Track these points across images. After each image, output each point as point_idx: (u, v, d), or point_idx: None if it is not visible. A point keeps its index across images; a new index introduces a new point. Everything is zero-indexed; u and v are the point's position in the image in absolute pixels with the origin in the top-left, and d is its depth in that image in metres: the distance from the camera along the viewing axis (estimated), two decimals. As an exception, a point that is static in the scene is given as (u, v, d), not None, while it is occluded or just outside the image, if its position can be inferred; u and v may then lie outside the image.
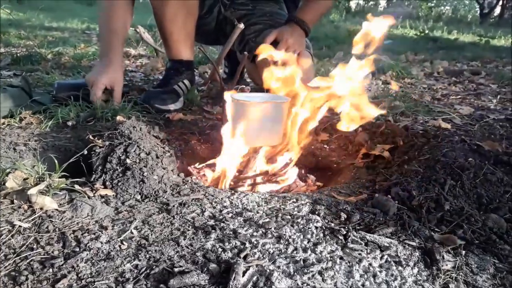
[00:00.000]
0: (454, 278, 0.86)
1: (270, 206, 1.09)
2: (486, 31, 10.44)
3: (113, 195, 1.11)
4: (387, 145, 1.56)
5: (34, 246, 0.87)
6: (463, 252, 0.94)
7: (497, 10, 18.41)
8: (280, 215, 1.04)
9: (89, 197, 1.07)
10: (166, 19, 2.03)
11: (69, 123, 1.60)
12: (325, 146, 1.68)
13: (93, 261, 0.83)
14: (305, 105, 1.42)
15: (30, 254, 0.84)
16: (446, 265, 0.90)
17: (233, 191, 1.20)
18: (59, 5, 11.03)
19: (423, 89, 3.12)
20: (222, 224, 0.98)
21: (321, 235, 0.96)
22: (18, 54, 3.32)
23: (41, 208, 1.00)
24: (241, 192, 1.18)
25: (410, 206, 1.13)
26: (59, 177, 1.15)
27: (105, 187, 1.13)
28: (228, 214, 1.05)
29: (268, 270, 0.81)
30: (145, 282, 0.78)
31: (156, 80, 2.81)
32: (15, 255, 0.84)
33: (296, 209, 1.08)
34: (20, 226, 0.93)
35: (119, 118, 1.49)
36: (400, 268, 0.87)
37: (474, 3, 19.81)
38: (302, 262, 0.86)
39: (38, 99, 1.80)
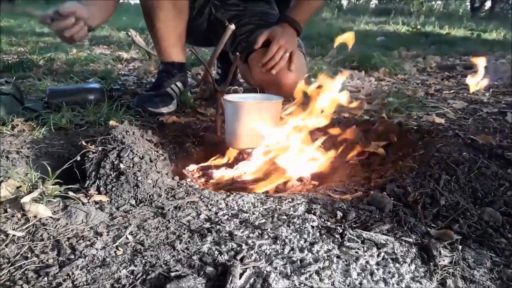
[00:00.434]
0: (451, 273, 0.86)
1: (265, 207, 1.09)
2: (478, 25, 10.47)
3: (108, 200, 1.10)
4: (381, 142, 1.56)
5: (29, 255, 0.87)
6: (460, 247, 0.94)
7: (488, 4, 18.49)
8: (276, 215, 1.04)
9: (83, 204, 1.06)
10: (157, 22, 2.02)
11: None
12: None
13: (89, 268, 0.83)
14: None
15: (24, 263, 0.84)
16: (443, 260, 0.90)
17: (228, 193, 1.20)
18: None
19: (416, 84, 3.13)
20: (218, 227, 0.98)
21: (318, 234, 0.96)
22: (10, 61, 3.30)
23: (35, 216, 0.99)
24: (236, 194, 1.18)
25: (406, 202, 1.13)
26: (53, 184, 1.14)
27: (99, 193, 1.12)
28: (224, 216, 1.04)
29: (265, 272, 0.81)
30: (141, 288, 0.77)
31: (149, 83, 2.80)
32: (10, 264, 0.83)
33: (292, 209, 1.08)
34: (14, 235, 0.92)
35: (111, 122, 1.49)
36: (397, 265, 0.87)
37: (465, -3, 19.88)
38: (299, 262, 0.86)
39: (30, 106, 1.80)
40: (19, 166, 1.28)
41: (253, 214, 1.05)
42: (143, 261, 0.85)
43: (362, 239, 0.95)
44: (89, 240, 0.92)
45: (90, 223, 1.00)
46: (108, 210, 1.06)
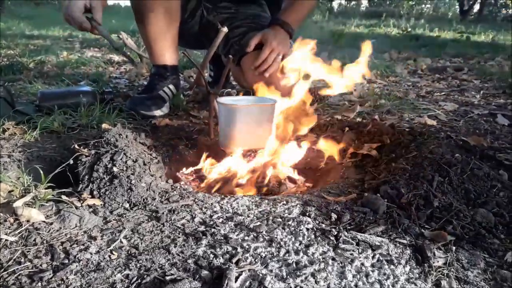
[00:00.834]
0: (445, 274, 0.86)
1: (260, 209, 1.09)
2: (467, 27, 10.59)
3: (101, 204, 1.10)
4: (374, 143, 1.57)
5: (22, 260, 0.86)
6: (454, 248, 0.95)
7: (477, 7, 18.68)
8: (271, 218, 1.04)
9: (76, 207, 1.05)
10: (148, 25, 2.02)
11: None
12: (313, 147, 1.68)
13: (83, 272, 0.82)
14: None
15: (18, 268, 0.83)
16: (438, 261, 0.90)
17: (222, 196, 1.19)
18: (39, 13, 10.91)
19: (407, 86, 3.15)
20: (213, 230, 0.98)
21: (313, 236, 0.96)
22: (-1, 64, 3.27)
23: (28, 221, 0.98)
24: (231, 197, 1.18)
25: (400, 204, 1.13)
26: (45, 188, 1.13)
27: (93, 197, 1.11)
28: (219, 219, 1.04)
29: (260, 275, 0.81)
30: (136, 292, 0.77)
31: (141, 86, 2.79)
32: (2, 269, 0.82)
33: (286, 211, 1.08)
34: (6, 239, 0.91)
35: (104, 125, 1.48)
36: (392, 266, 0.87)
37: (454, 0, 20.09)
38: (294, 265, 0.86)
39: (21, 109, 1.78)
40: (11, 170, 1.27)
41: (248, 216, 1.05)
42: (138, 265, 0.85)
43: (357, 241, 0.95)
44: (83, 244, 0.91)
45: (83, 227, 0.99)
46: (101, 214, 1.06)
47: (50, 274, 0.81)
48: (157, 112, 2.00)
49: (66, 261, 0.85)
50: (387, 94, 2.64)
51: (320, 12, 14.49)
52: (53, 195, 1.09)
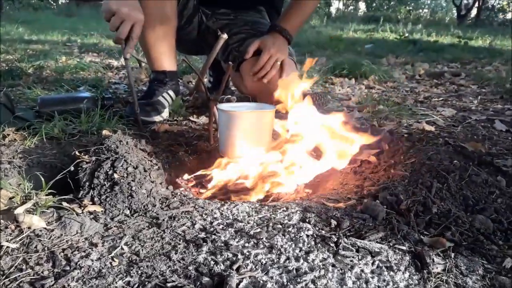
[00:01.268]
0: (444, 280, 0.87)
1: (260, 216, 1.10)
2: (464, 32, 10.64)
3: (102, 211, 1.10)
4: (373, 150, 1.58)
5: (23, 267, 0.86)
6: (452, 254, 0.96)
7: (474, 12, 18.79)
8: (271, 224, 1.04)
9: (77, 214, 1.05)
10: (146, 31, 2.02)
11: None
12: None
13: (84, 279, 0.82)
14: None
15: (19, 275, 0.83)
16: (437, 268, 0.91)
17: (222, 202, 1.20)
18: (38, 17, 10.92)
19: (405, 92, 3.16)
20: (213, 236, 0.98)
21: (313, 243, 0.97)
22: (-2, 69, 3.27)
23: (29, 227, 0.98)
24: (231, 203, 1.18)
25: (399, 210, 1.14)
26: (46, 195, 1.14)
27: (94, 203, 1.12)
28: (219, 225, 1.04)
29: (261, 281, 0.81)
30: (138, 299, 0.77)
31: (140, 92, 2.79)
32: (4, 277, 0.83)
33: (286, 218, 1.08)
34: (8, 246, 0.91)
35: (105, 132, 1.49)
36: (391, 273, 0.88)
37: (451, 5, 20.18)
38: (295, 272, 0.86)
39: (21, 115, 1.78)
40: (11, 176, 1.27)
41: (248, 223, 1.05)
42: (139, 272, 0.85)
43: (357, 247, 0.96)
44: (84, 251, 0.92)
45: (84, 233, 0.99)
46: (102, 221, 1.06)
47: (51, 281, 0.81)
48: (157, 118, 2.01)
49: (68, 268, 0.86)
50: (385, 99, 2.65)
51: (318, 16, 14.56)
52: (54, 201, 1.10)
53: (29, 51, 4.67)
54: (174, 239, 0.98)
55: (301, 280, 0.83)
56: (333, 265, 0.89)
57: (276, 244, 0.95)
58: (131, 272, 0.85)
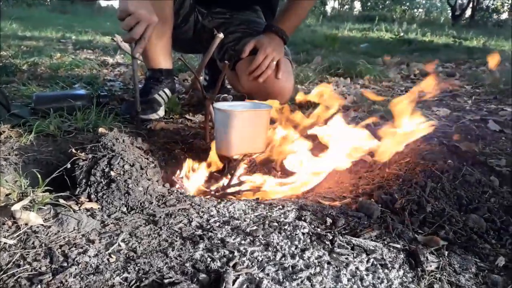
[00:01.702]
0: (438, 278, 0.88)
1: (256, 214, 1.10)
2: (459, 32, 10.69)
3: (99, 208, 1.11)
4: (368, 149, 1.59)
5: (21, 263, 0.86)
6: (446, 252, 0.97)
7: (468, 12, 18.88)
8: (267, 222, 1.05)
9: (74, 211, 1.06)
10: None
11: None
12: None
13: (82, 275, 0.83)
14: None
15: (17, 271, 0.83)
16: (430, 266, 0.92)
17: (219, 200, 1.21)
18: (32, 14, 10.86)
19: (400, 92, 3.18)
20: (210, 234, 0.99)
21: (308, 241, 0.98)
22: (-8, 66, 3.25)
23: (26, 224, 0.98)
24: (227, 201, 1.19)
25: (393, 209, 1.15)
26: (43, 192, 1.14)
27: (90, 200, 1.12)
28: (216, 223, 1.05)
29: (257, 278, 0.82)
30: (135, 295, 0.78)
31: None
32: (2, 272, 0.83)
33: (282, 216, 1.09)
34: (5, 243, 0.92)
35: (101, 130, 1.49)
36: (386, 270, 0.89)
37: (446, 6, 20.27)
38: (290, 269, 0.87)
39: (16, 112, 1.78)
40: (7, 173, 1.27)
41: (245, 221, 1.06)
42: (137, 268, 0.86)
43: (352, 245, 0.97)
44: (81, 248, 0.92)
45: (82, 230, 1.00)
46: (99, 218, 1.06)
47: (49, 277, 0.82)
48: (153, 116, 2.01)
49: (65, 264, 0.86)
50: (380, 99, 2.67)
51: (313, 15, 14.56)
52: (50, 198, 1.10)
53: (23, 47, 4.64)
54: (171, 236, 0.99)
55: (297, 277, 0.84)
56: (329, 263, 0.90)
57: (272, 241, 0.96)
58: (129, 268, 0.86)
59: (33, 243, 0.93)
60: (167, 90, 2.15)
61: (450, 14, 18.80)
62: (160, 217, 1.07)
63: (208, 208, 1.13)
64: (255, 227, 1.02)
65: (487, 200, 1.19)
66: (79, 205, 1.10)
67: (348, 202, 1.21)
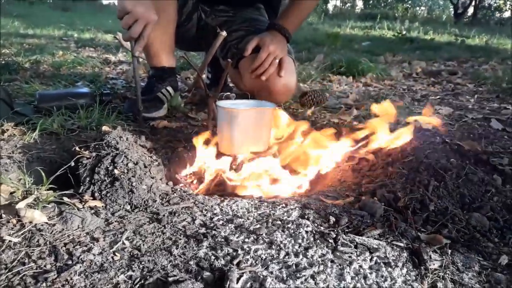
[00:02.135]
0: (441, 277, 0.89)
1: (260, 212, 1.11)
2: (461, 30, 10.67)
3: (103, 206, 1.11)
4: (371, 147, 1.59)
5: (26, 261, 0.87)
6: (449, 251, 0.97)
7: (471, 10, 18.84)
8: (270, 220, 1.05)
9: (78, 209, 1.06)
10: None
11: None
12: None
13: (87, 273, 0.83)
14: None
15: (22, 269, 0.84)
16: (433, 264, 0.92)
17: (222, 198, 1.21)
18: (33, 11, 10.87)
19: (403, 90, 3.18)
20: (213, 232, 0.99)
21: (312, 239, 0.98)
22: (-5, 64, 3.26)
23: (31, 222, 0.99)
24: (230, 199, 1.19)
25: (396, 208, 1.15)
26: (47, 190, 1.14)
27: (94, 199, 1.13)
28: (219, 221, 1.05)
29: (261, 276, 0.83)
30: (140, 293, 0.78)
31: (138, 87, 2.79)
32: (7, 270, 0.83)
33: (285, 214, 1.10)
34: (10, 241, 0.92)
35: (104, 128, 1.49)
36: (389, 269, 0.89)
37: (448, 4, 20.23)
38: (294, 267, 0.87)
39: (20, 111, 1.78)
40: (11, 171, 1.28)
41: (248, 219, 1.07)
42: (141, 266, 0.86)
43: (355, 243, 0.97)
44: (86, 246, 0.93)
45: (86, 228, 1.00)
46: (103, 216, 1.07)
47: (54, 275, 0.82)
48: (156, 114, 2.01)
49: (70, 262, 0.87)
50: (383, 97, 2.67)
51: (315, 13, 14.54)
52: (55, 196, 1.11)
53: (25, 45, 4.65)
54: (174, 234, 0.99)
55: (301, 275, 0.84)
56: (332, 261, 0.90)
57: (276, 240, 0.96)
58: (133, 266, 0.86)
59: (37, 241, 0.93)
60: (170, 88, 2.15)
61: (452, 12, 18.78)
62: (164, 215, 1.08)
63: (212, 206, 1.14)
64: (258, 225, 1.03)
65: (490, 199, 1.19)
66: (83, 203, 1.10)
67: (351, 201, 1.21)
